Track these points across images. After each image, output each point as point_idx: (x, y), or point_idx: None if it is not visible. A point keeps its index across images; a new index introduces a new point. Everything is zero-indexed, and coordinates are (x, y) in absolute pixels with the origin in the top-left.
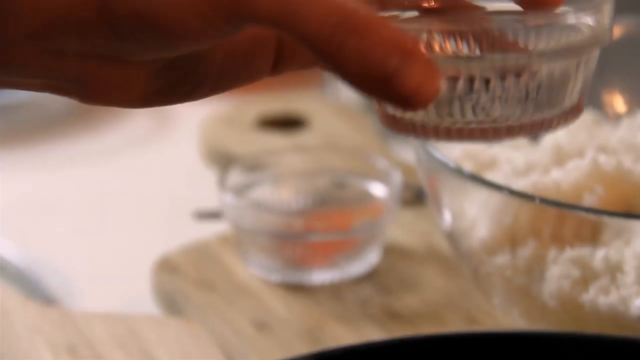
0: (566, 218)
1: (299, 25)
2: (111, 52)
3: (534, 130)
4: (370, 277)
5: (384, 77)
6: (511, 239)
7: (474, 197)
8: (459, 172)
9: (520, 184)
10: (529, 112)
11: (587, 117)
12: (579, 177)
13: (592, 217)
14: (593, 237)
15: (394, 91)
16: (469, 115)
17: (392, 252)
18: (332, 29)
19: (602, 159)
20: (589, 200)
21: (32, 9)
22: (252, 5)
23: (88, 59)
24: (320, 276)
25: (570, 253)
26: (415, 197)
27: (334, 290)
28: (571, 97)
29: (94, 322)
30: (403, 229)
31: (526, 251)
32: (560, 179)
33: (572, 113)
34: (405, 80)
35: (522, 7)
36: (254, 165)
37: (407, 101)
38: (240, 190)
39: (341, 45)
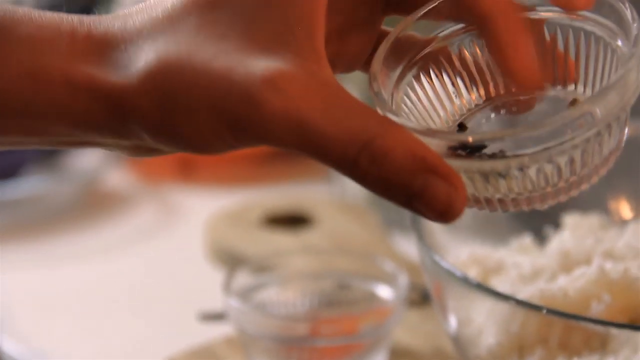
0: (573, 327)
1: (317, 155)
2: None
3: (582, 184)
4: None
5: (410, 199)
6: (519, 347)
7: (481, 305)
8: (465, 280)
9: (527, 291)
10: (574, 173)
11: (593, 221)
12: (586, 285)
13: (599, 328)
14: (602, 345)
15: (423, 210)
16: (515, 190)
17: (398, 353)
18: (352, 160)
19: (609, 266)
20: (596, 309)
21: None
22: (270, 139)
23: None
24: None
25: None
26: (422, 297)
27: None
28: (609, 145)
29: None
30: (409, 330)
31: (534, 359)
32: (567, 286)
33: (613, 154)
34: (432, 201)
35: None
36: (260, 267)
37: (438, 219)
38: (245, 293)
39: (365, 174)
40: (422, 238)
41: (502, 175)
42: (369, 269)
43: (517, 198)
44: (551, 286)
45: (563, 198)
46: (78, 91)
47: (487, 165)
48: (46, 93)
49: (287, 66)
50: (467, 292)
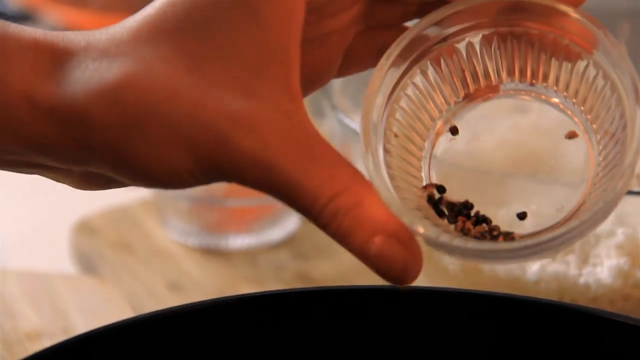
0: None
1: (284, 199)
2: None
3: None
4: (286, 243)
5: (366, 257)
6: None
7: None
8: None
9: None
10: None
11: None
12: None
13: None
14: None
15: (377, 271)
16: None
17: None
18: (318, 210)
19: None
20: None
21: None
22: (238, 179)
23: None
24: (237, 241)
25: None
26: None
27: (250, 255)
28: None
29: (8, 278)
30: None
31: None
32: None
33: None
34: (387, 265)
35: None
36: None
37: (390, 281)
38: None
39: (328, 224)
40: (332, 104)
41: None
42: None
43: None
44: None
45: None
46: (36, 108)
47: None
48: (3, 107)
49: (261, 106)
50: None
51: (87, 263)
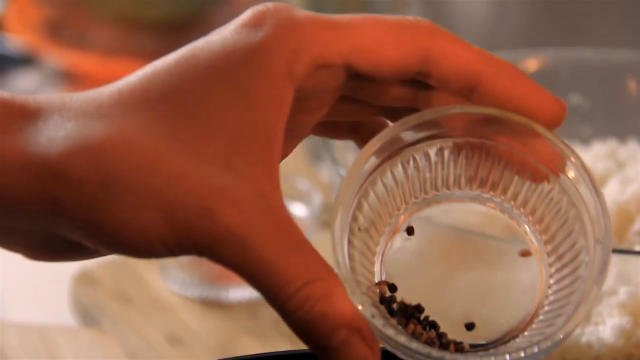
0: None
1: (254, 279)
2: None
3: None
4: None
5: (325, 349)
6: None
7: None
8: None
9: None
10: None
11: None
12: None
13: None
14: None
15: None
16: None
17: None
18: (288, 295)
19: None
20: None
21: None
22: (212, 252)
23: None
24: (237, 293)
25: None
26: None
27: (250, 308)
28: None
29: (8, 331)
30: (321, 249)
31: None
32: None
33: None
34: (348, 358)
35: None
36: None
37: None
38: None
39: (293, 311)
40: (333, 158)
41: None
42: (283, 187)
43: None
44: None
45: None
46: (8, 163)
47: None
48: None
49: (242, 183)
50: None
51: (87, 314)
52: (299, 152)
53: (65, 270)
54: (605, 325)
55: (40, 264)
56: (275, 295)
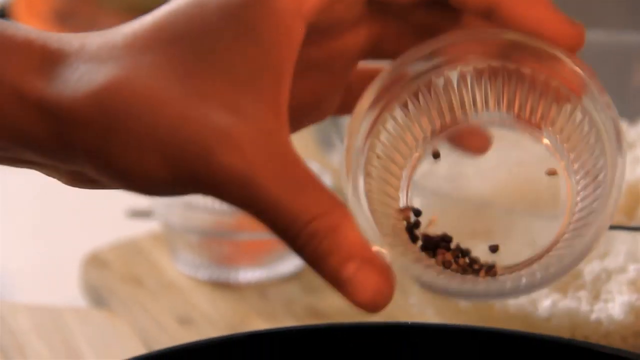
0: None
1: (262, 218)
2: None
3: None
4: (296, 276)
5: (338, 281)
6: None
7: None
8: None
9: None
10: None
11: None
12: None
13: None
14: None
15: (347, 295)
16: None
17: None
18: (296, 232)
19: None
20: None
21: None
22: (217, 193)
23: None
24: (247, 274)
25: None
26: (345, 200)
27: (260, 289)
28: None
29: (19, 313)
30: None
31: None
32: None
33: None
34: (359, 289)
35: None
36: None
37: (359, 307)
38: None
39: (303, 247)
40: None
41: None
42: None
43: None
44: None
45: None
46: (26, 104)
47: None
48: None
49: (246, 123)
50: None
51: (98, 296)
52: (309, 137)
53: (76, 253)
54: (615, 303)
55: (50, 246)
56: (283, 233)
